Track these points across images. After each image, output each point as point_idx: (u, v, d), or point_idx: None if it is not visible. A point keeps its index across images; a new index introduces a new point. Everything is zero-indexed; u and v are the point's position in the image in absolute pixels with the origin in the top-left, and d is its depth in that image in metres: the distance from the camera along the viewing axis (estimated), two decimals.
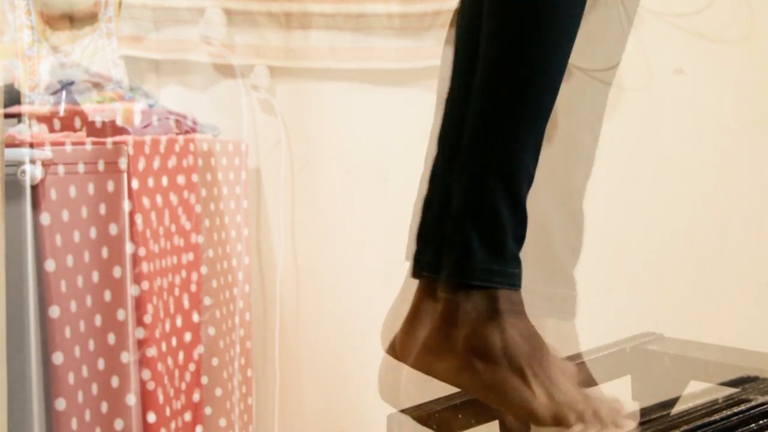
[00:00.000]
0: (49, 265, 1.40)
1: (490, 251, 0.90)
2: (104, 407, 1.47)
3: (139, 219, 1.51)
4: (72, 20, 1.93)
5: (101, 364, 1.47)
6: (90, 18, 1.93)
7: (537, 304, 1.07)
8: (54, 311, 1.40)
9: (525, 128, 0.90)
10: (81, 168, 1.45)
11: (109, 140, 1.51)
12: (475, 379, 0.90)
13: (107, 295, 1.47)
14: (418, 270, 0.98)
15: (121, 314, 1.48)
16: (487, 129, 0.91)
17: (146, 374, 1.51)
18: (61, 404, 1.40)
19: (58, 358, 1.40)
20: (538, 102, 0.90)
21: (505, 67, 0.91)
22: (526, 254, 0.95)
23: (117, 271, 1.48)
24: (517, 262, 0.92)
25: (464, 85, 0.97)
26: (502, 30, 0.91)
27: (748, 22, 2.02)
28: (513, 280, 0.91)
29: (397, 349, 0.99)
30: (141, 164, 1.53)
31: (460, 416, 1.04)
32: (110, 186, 1.48)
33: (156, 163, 1.58)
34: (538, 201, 1.01)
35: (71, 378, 1.42)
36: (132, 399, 1.48)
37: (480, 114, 0.92)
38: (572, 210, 1.20)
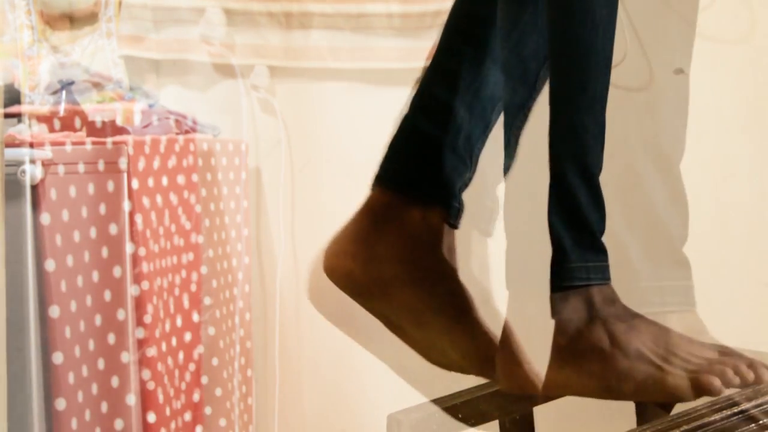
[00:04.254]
0: (49, 265, 1.40)
1: (583, 248, 0.88)
2: (104, 407, 1.47)
3: (139, 219, 1.51)
4: (72, 20, 1.93)
5: (101, 364, 1.47)
6: (90, 18, 1.93)
7: (653, 300, 1.05)
8: (54, 311, 1.40)
9: (587, 111, 0.90)
10: (81, 168, 1.45)
11: (109, 140, 1.51)
12: (598, 381, 0.86)
13: (107, 295, 1.47)
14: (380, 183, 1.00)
15: (121, 314, 1.48)
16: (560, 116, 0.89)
17: (146, 374, 1.51)
18: (61, 404, 1.40)
19: (58, 358, 1.40)
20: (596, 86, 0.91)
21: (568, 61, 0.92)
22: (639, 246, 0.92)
23: (117, 271, 1.48)
24: (606, 254, 0.89)
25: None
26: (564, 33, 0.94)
27: (748, 22, 2.02)
28: (606, 274, 0.89)
29: (339, 259, 0.99)
30: (141, 164, 1.53)
31: (460, 416, 1.04)
32: (110, 186, 1.48)
33: (156, 163, 1.58)
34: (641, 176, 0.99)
35: (71, 378, 1.42)
36: (132, 399, 1.48)
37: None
38: (671, 178, 1.16)
